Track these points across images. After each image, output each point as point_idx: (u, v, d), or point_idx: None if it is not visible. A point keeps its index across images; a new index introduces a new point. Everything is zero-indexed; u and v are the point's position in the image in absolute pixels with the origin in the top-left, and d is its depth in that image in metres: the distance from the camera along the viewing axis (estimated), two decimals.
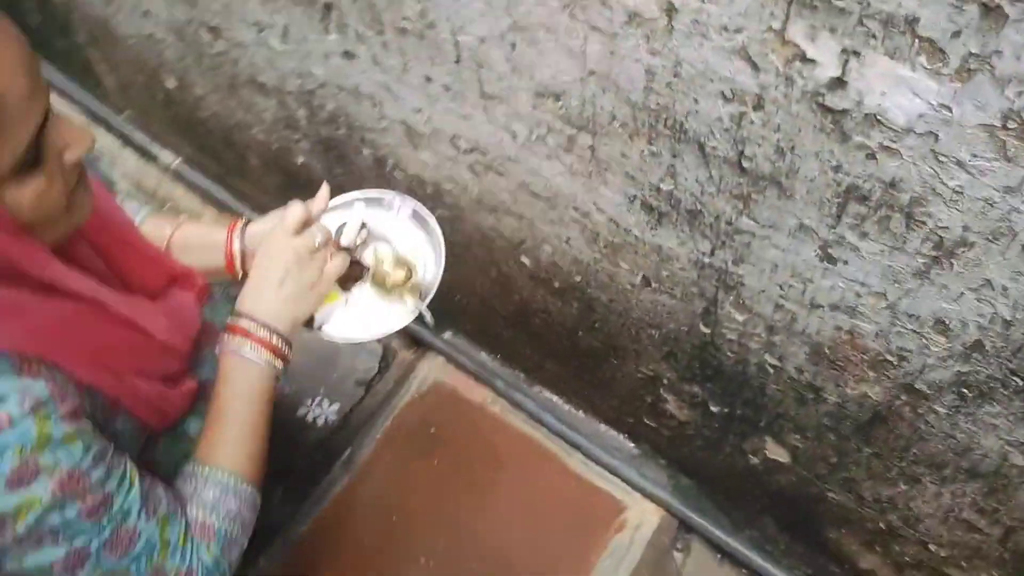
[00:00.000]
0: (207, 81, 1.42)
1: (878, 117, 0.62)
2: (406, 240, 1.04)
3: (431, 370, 1.54)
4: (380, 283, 1.01)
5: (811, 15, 0.59)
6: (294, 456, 1.46)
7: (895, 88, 0.59)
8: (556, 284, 1.15)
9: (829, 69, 0.62)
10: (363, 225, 1.03)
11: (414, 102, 1.04)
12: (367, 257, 1.02)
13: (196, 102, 1.53)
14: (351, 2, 0.97)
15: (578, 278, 1.10)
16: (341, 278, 1.03)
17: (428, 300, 0.99)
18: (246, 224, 1.02)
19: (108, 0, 1.43)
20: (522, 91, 0.88)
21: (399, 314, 0.99)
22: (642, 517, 1.34)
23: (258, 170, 1.61)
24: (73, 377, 0.70)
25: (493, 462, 1.43)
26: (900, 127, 0.61)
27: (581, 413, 1.44)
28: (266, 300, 0.89)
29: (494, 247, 1.20)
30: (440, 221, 1.23)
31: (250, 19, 1.16)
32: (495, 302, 1.35)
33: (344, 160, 1.32)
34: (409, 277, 1.00)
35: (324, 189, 1.02)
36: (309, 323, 1.00)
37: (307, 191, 1.52)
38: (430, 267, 1.03)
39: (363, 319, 1.01)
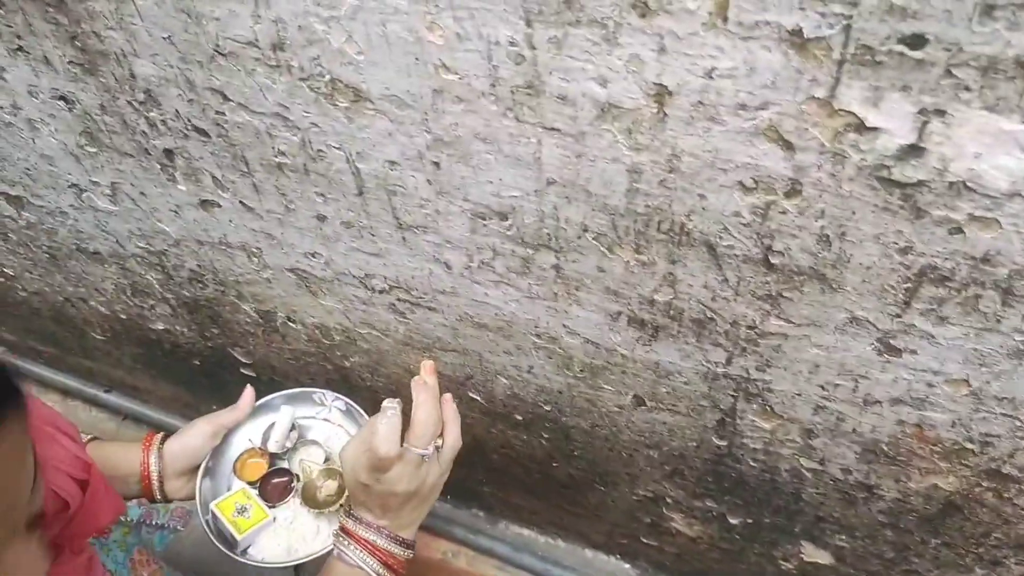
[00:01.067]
0: (19, 260, 1.14)
1: (968, 184, 0.48)
2: (339, 442, 0.95)
3: None
4: (311, 497, 0.90)
5: (873, 74, 0.44)
6: None
7: (994, 147, 0.45)
8: (518, 417, 0.96)
9: (899, 136, 0.47)
10: (292, 427, 0.95)
11: (305, 246, 0.83)
12: (294, 465, 0.92)
13: (8, 283, 1.23)
14: (200, 143, 0.75)
15: (547, 408, 0.91)
16: (269, 492, 0.94)
17: None
18: (162, 441, 0.90)
19: None
20: (454, 215, 0.69)
21: (332, 531, 0.85)
22: None
23: (105, 345, 1.31)
24: None
25: None
26: (1001, 192, 0.47)
27: (561, 542, 1.23)
28: (382, 516, 0.81)
29: None
30: (358, 367, 1.02)
31: (63, 183, 0.91)
32: None
33: (219, 319, 1.07)
34: (343, 490, 0.89)
35: (248, 394, 0.94)
36: (232, 547, 0.88)
37: (173, 357, 1.25)
38: None
39: (292, 539, 0.89)
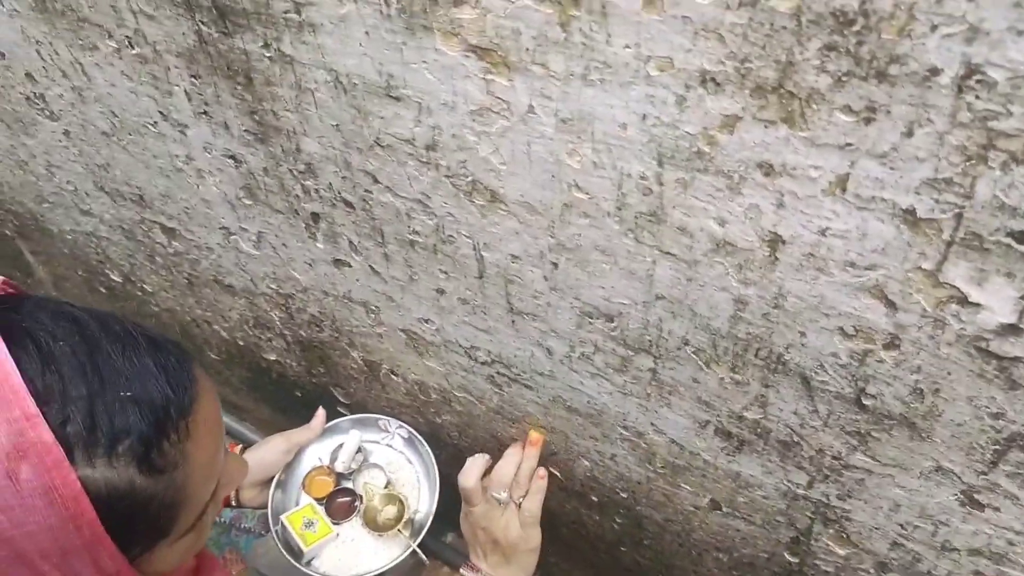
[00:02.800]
0: (160, 279, 1.26)
1: None
2: (400, 467, 1.04)
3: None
4: (371, 520, 0.97)
5: (979, 258, 0.48)
6: None
7: None
8: (594, 498, 0.99)
9: (999, 315, 0.50)
10: (359, 449, 1.03)
11: (420, 312, 0.90)
12: (358, 486, 1.01)
13: (146, 297, 1.36)
14: (345, 213, 0.83)
15: (623, 495, 0.94)
16: (334, 509, 1.02)
17: (420, 538, 0.95)
18: (242, 451, 0.97)
19: (40, 199, 1.26)
20: (563, 310, 0.75)
21: (390, 552, 0.96)
22: None
23: (218, 364, 1.42)
24: None
25: None
26: None
27: None
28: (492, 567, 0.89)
29: None
30: (448, 426, 1.08)
31: (215, 224, 1.01)
32: None
33: (327, 361, 1.16)
34: (401, 515, 0.97)
35: (320, 415, 1.01)
36: (298, 557, 0.96)
37: (278, 385, 1.35)
38: (424, 498, 1.01)
39: (353, 556, 0.97)
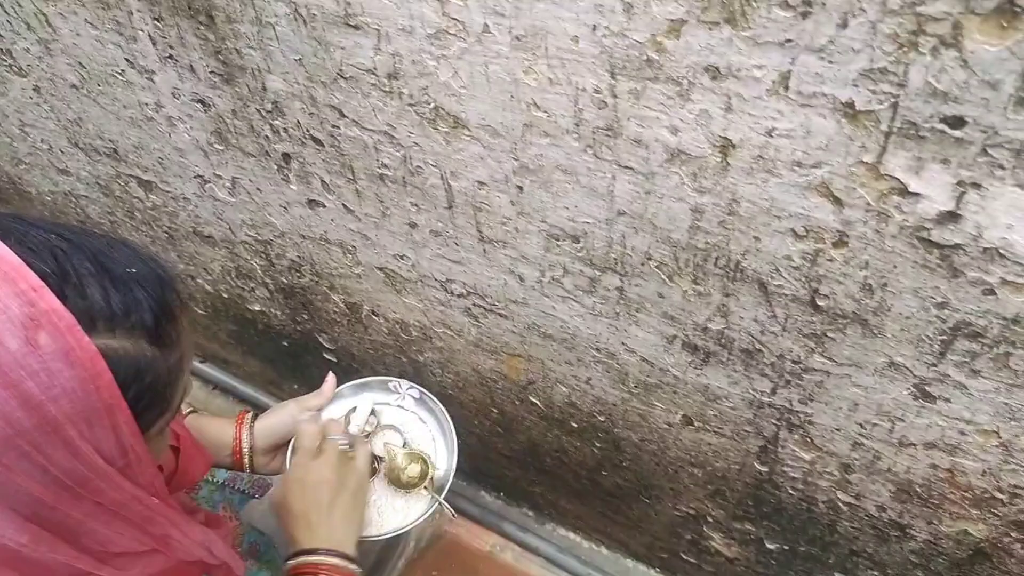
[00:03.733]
0: (140, 236, 1.27)
1: (1001, 251, 0.52)
2: (414, 427, 1.03)
3: (431, 520, 1.38)
4: (395, 479, 0.97)
5: (916, 146, 0.50)
6: None
7: None
8: (573, 424, 1.02)
9: (938, 203, 0.52)
10: (372, 411, 1.02)
11: (395, 248, 0.92)
12: (378, 447, 0.99)
13: None
14: (315, 151, 0.84)
15: (601, 418, 0.97)
16: None
17: (444, 493, 0.96)
18: (254, 418, 0.98)
19: (16, 160, 1.26)
20: (531, 234, 0.77)
21: (416, 509, 0.95)
22: None
23: (205, 319, 1.44)
24: None
25: None
26: None
27: (604, 549, 1.29)
28: (323, 529, 0.83)
29: (495, 388, 1.07)
30: (430, 363, 1.10)
31: (190, 173, 1.02)
32: (497, 441, 1.20)
33: (310, 306, 1.17)
34: (425, 472, 0.97)
35: (330, 380, 1.01)
36: None
37: (264, 336, 1.37)
38: (441, 455, 1.01)
39: (377, 515, 0.96)
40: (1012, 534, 0.73)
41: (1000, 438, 0.65)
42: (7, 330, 0.46)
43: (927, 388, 0.65)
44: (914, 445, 0.71)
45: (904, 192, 0.53)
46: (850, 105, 0.50)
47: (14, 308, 0.46)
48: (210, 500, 1.03)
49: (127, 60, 0.90)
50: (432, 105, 0.70)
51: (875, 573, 0.90)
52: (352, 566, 0.81)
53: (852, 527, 0.86)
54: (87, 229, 0.56)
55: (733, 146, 0.57)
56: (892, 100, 0.48)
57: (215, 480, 1.04)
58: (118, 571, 0.60)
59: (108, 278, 0.53)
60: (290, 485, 0.85)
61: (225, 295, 1.30)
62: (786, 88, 0.52)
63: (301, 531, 0.82)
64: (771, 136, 0.55)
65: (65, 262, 0.51)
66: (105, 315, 0.51)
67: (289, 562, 0.81)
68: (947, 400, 0.65)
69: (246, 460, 0.99)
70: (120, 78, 0.93)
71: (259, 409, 1.14)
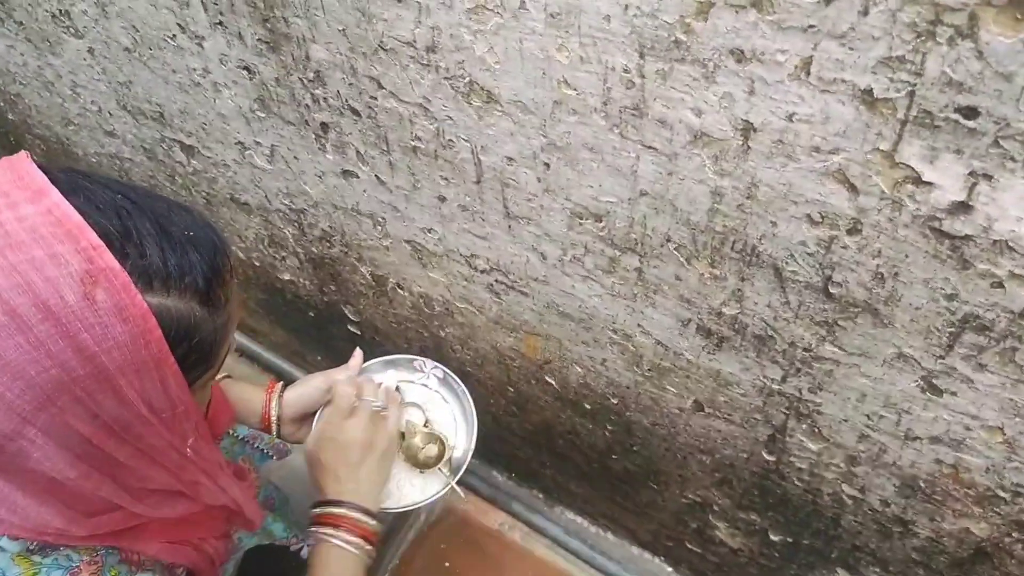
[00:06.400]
0: (178, 200, 1.31)
1: (1010, 244, 0.53)
2: (436, 406, 1.05)
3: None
4: (412, 456, 0.99)
5: (931, 136, 0.51)
6: None
7: None
8: (587, 406, 1.04)
9: (951, 193, 0.53)
10: (396, 388, 1.04)
11: (424, 222, 0.94)
12: (402, 424, 1.01)
13: None
14: (352, 121, 0.87)
15: (614, 401, 0.99)
16: None
17: (459, 475, 0.98)
18: (283, 388, 1.01)
19: (66, 121, 1.31)
20: (555, 212, 0.79)
21: (432, 486, 0.98)
22: None
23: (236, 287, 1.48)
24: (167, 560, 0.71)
25: None
26: None
27: (610, 535, 1.31)
28: (350, 484, 0.87)
29: (512, 367, 1.09)
30: (451, 338, 1.13)
31: (231, 139, 1.06)
32: (510, 421, 1.23)
33: (337, 278, 1.21)
34: (442, 453, 0.99)
35: (357, 355, 1.03)
36: None
37: (292, 307, 1.41)
38: (461, 437, 1.03)
39: (396, 488, 0.99)
40: (1013, 534, 0.74)
41: (1004, 435, 0.66)
42: (66, 284, 0.50)
43: (934, 381, 0.66)
44: (920, 439, 0.72)
45: (918, 181, 0.54)
46: (868, 92, 0.52)
47: (74, 264, 0.50)
48: (230, 452, 1.07)
49: (179, 25, 0.94)
50: (467, 79, 0.72)
51: (877, 570, 0.91)
52: (372, 522, 0.85)
53: (856, 521, 0.87)
54: (151, 192, 0.59)
55: (754, 129, 0.59)
56: (909, 88, 0.50)
57: (236, 435, 1.08)
58: (151, 508, 0.64)
59: (167, 240, 0.56)
60: (323, 442, 0.89)
61: (257, 263, 1.34)
62: (807, 73, 0.53)
63: (329, 483, 0.86)
64: (791, 121, 0.56)
65: (128, 221, 0.54)
66: (161, 275, 0.55)
67: (314, 509, 0.86)
68: (953, 394, 0.66)
69: (274, 428, 1.02)
70: (171, 43, 0.97)
71: (283, 378, 1.17)
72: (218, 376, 1.02)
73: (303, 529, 0.93)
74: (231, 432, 1.11)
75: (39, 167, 0.54)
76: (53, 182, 0.53)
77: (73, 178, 0.55)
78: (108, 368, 0.52)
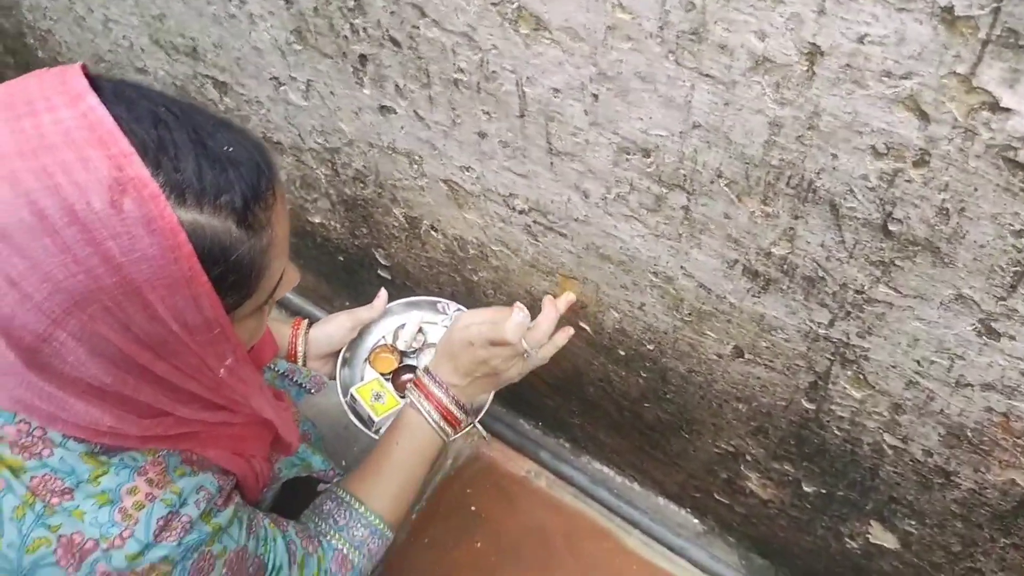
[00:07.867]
0: None
1: None
2: None
3: (467, 441, 1.41)
4: None
5: (1014, 57, 0.49)
6: None
7: None
8: (621, 352, 1.03)
9: None
10: (420, 329, 1.07)
11: (462, 160, 0.93)
12: (423, 363, 1.04)
13: None
14: (392, 52, 0.85)
15: (650, 347, 0.98)
16: (398, 386, 1.08)
17: (481, 415, 1.00)
18: (309, 325, 1.04)
19: (97, 58, 1.30)
20: (601, 147, 0.77)
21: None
22: None
23: None
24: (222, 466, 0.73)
25: (542, 543, 1.30)
26: None
27: (636, 486, 1.31)
28: (459, 379, 0.93)
29: None
30: (484, 283, 1.12)
31: (266, 75, 1.04)
32: (540, 368, 1.22)
33: (369, 220, 1.20)
34: None
35: (382, 296, 1.06)
36: (368, 426, 1.02)
37: (322, 250, 1.40)
38: None
39: None
40: None
41: None
42: (94, 190, 0.49)
43: (992, 324, 0.64)
44: (971, 386, 0.71)
45: (995, 107, 0.51)
46: (949, 9, 0.49)
47: (103, 171, 0.49)
48: (271, 385, 1.08)
49: None
50: (515, 5, 0.70)
51: (913, 522, 0.90)
52: (459, 412, 0.93)
53: (895, 472, 0.86)
54: (201, 108, 0.57)
55: (821, 53, 0.56)
56: (994, 4, 0.47)
57: (276, 369, 1.09)
58: (193, 413, 0.64)
59: (205, 154, 0.54)
60: (469, 348, 0.91)
61: (288, 205, 1.33)
62: None
63: (445, 367, 0.93)
64: (862, 43, 0.54)
65: (165, 133, 0.53)
66: (195, 190, 0.53)
67: (420, 372, 0.95)
68: (1012, 338, 0.64)
69: (300, 363, 1.04)
70: None
71: None
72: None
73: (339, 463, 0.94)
74: (271, 366, 1.12)
75: (88, 75, 0.52)
76: (98, 90, 0.51)
77: (120, 87, 0.54)
78: (136, 280, 0.51)
